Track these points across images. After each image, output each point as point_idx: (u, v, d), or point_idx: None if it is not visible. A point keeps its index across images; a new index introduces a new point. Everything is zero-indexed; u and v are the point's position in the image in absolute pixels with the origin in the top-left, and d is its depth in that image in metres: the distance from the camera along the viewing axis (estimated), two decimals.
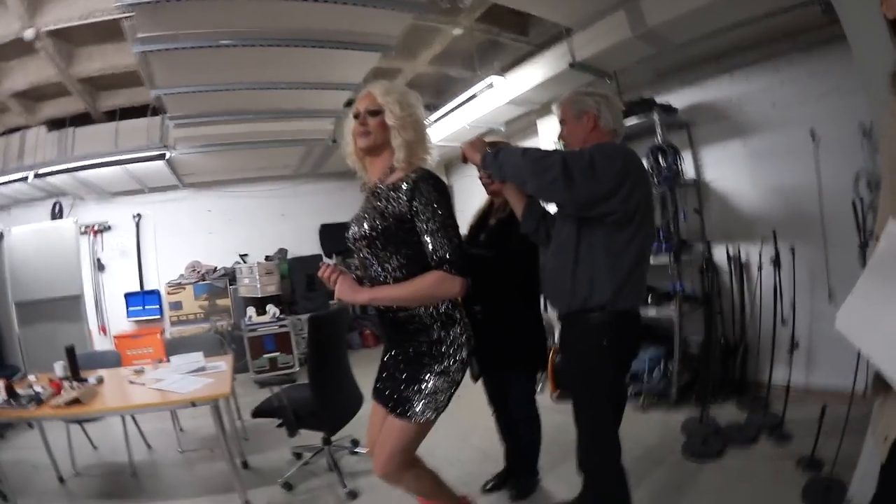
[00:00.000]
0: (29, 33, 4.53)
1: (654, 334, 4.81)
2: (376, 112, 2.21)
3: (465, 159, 2.50)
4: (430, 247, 2.10)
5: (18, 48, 4.99)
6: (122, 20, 4.29)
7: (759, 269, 4.30)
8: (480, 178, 2.76)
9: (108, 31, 4.96)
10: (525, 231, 2.67)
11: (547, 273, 2.55)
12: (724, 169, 4.75)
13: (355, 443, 4.06)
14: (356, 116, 2.27)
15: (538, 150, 2.27)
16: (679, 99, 4.87)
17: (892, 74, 1.32)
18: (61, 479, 4.11)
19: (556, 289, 2.45)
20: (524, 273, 3.01)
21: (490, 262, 2.84)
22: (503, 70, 5.19)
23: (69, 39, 5.12)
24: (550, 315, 3.97)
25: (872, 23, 2.03)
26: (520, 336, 3.03)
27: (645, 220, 2.27)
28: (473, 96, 5.38)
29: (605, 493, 2.43)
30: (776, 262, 4.06)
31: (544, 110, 5.65)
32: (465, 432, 4.12)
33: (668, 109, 4.67)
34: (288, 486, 3.60)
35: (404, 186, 2.14)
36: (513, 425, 3.28)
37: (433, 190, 2.13)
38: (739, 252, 4.56)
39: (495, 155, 2.31)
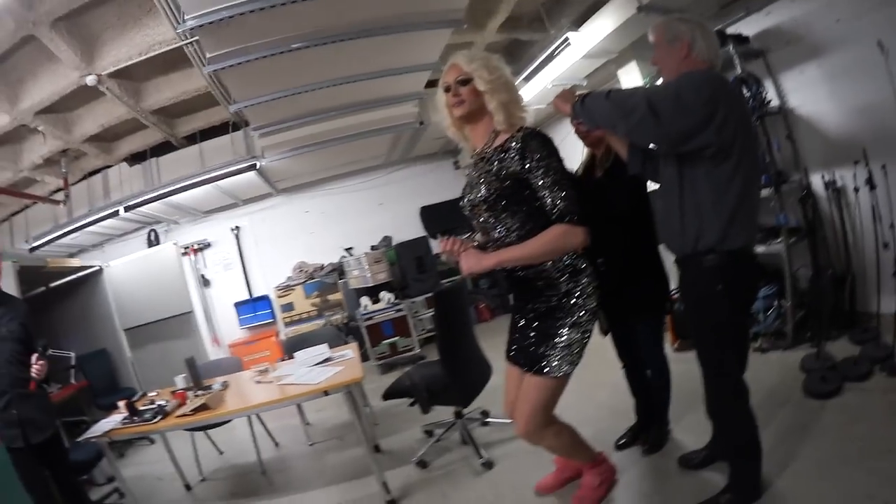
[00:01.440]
0: (90, 79, 4.71)
1: (765, 272, 4.66)
2: (466, 80, 2.25)
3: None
4: (549, 201, 2.13)
5: (82, 95, 5.23)
6: (184, 47, 4.39)
7: (856, 192, 4.07)
8: (577, 132, 2.74)
9: (170, 62, 5.12)
10: (633, 172, 2.62)
11: (658, 216, 2.52)
12: (806, 94, 4.51)
13: (485, 414, 4.07)
14: (447, 90, 2.31)
15: (622, 90, 2.24)
16: (747, 27, 4.66)
17: None
18: (188, 487, 4.27)
19: (666, 232, 2.42)
20: (638, 216, 2.98)
21: (604, 210, 2.80)
22: (574, 25, 5.08)
23: (132, 77, 5.30)
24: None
25: None
26: (643, 281, 3.00)
27: (746, 148, 2.16)
28: (552, 55, 5.29)
29: (736, 438, 2.39)
30: (870, 184, 3.84)
31: (622, 59, 5.51)
32: (592, 390, 4.06)
33: (740, 39, 4.49)
34: (423, 464, 3.65)
35: (513, 146, 2.18)
36: (643, 378, 3.24)
37: (542, 145, 2.17)
38: (835, 177, 4.36)
39: (583, 102, 2.28)
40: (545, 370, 2.23)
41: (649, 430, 3.25)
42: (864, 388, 3.27)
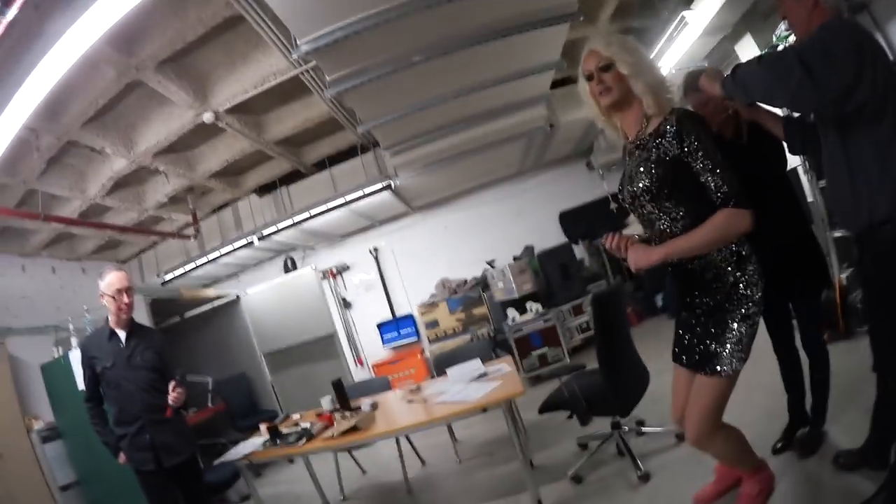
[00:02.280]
0: (207, 117, 4.89)
1: None
2: (608, 66, 2.17)
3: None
4: (713, 184, 2.02)
5: (202, 133, 5.46)
6: (300, 75, 4.52)
7: None
8: (706, 114, 2.60)
9: (287, 93, 5.27)
10: (794, 153, 2.48)
11: (828, 192, 2.34)
12: None
13: (640, 423, 3.91)
14: (589, 78, 2.23)
15: (768, 56, 2.08)
16: None
17: None
18: None
19: (839, 208, 2.26)
20: (783, 188, 2.86)
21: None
22: (685, 3, 4.90)
23: (250, 111, 5.48)
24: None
25: None
26: (799, 259, 2.85)
27: None
28: (671, 37, 5.11)
29: None
30: None
31: (736, 34, 5.28)
32: (748, 390, 3.71)
33: None
34: (578, 479, 3.54)
35: (669, 129, 2.08)
36: (799, 372, 3.06)
37: (698, 126, 2.07)
38: None
39: (734, 76, 2.15)
40: (718, 369, 2.12)
41: (803, 429, 3.05)
42: None
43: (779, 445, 3.08)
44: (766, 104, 2.33)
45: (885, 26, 4.33)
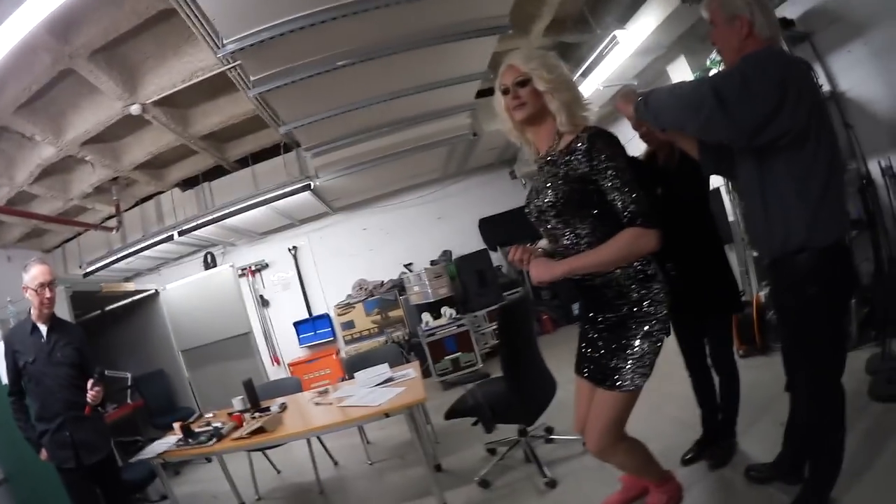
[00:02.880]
0: (135, 109, 4.81)
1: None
2: (525, 81, 2.17)
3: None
4: (620, 204, 2.05)
5: (129, 124, 5.34)
6: (227, 72, 4.45)
7: None
8: (640, 134, 2.67)
9: (215, 87, 5.19)
10: (708, 173, 2.55)
11: (743, 217, 2.41)
12: (855, 75, 4.33)
13: (549, 430, 4.00)
14: (505, 92, 2.24)
15: (685, 83, 2.12)
16: (791, 9, 4.51)
17: None
18: None
19: (753, 233, 2.32)
20: (701, 211, 2.96)
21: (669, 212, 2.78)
22: (619, 22, 5.02)
23: (177, 105, 5.39)
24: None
25: None
26: (711, 280, 2.96)
27: (823, 132, 2.01)
28: (601, 55, 5.23)
29: (826, 446, 2.25)
30: None
31: (670, 54, 5.44)
32: (660, 402, 3.94)
33: (785, 23, 4.32)
34: (485, 484, 3.59)
35: (579, 146, 2.10)
36: (711, 387, 3.17)
37: (609, 144, 2.09)
38: (891, 163, 4.15)
39: (646, 102, 2.17)
40: (618, 384, 2.16)
41: (715, 443, 3.15)
42: None
43: (688, 456, 3.18)
44: (677, 131, 2.33)
45: (826, 58, 4.49)
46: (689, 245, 2.82)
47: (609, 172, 2.05)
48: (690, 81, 2.14)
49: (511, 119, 2.29)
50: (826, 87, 4.39)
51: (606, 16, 5.14)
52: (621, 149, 2.14)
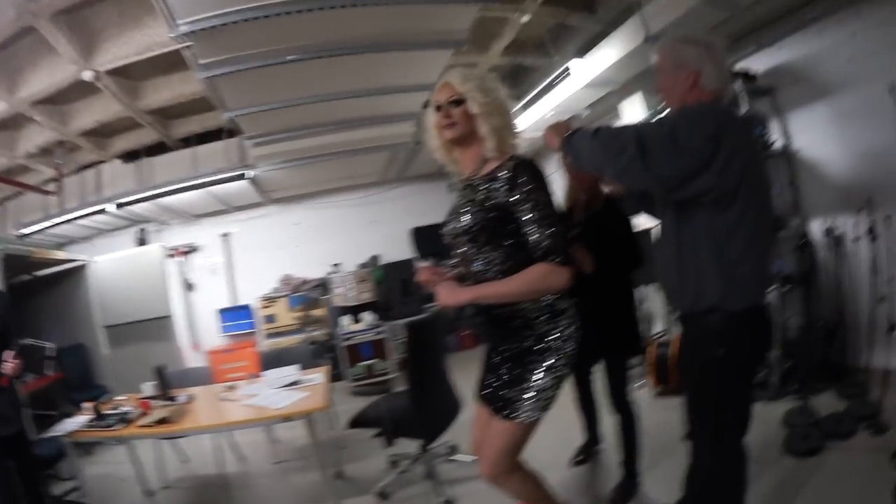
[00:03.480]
0: (88, 75, 4.71)
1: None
2: (459, 101, 2.11)
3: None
4: (534, 237, 1.99)
5: (81, 90, 5.21)
6: (182, 50, 4.32)
7: (856, 241, 3.93)
8: (567, 171, 2.62)
9: (169, 63, 5.07)
10: (630, 214, 2.51)
11: (657, 267, 2.28)
12: (813, 135, 4.42)
13: (453, 449, 3.97)
14: (438, 109, 2.18)
15: (613, 127, 1.99)
16: (758, 62, 4.60)
17: None
18: (149, 493, 4.18)
19: (666, 286, 2.22)
20: (619, 255, 2.98)
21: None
22: (579, 53, 5.01)
23: (131, 76, 5.30)
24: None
25: None
26: (612, 322, 3.00)
27: (753, 195, 1.92)
28: (552, 83, 5.21)
29: None
30: (872, 234, 3.70)
31: (627, 90, 5.46)
32: (566, 431, 3.87)
33: (748, 77, 4.42)
34: (383, 496, 3.54)
35: (502, 175, 2.04)
36: (593, 421, 3.44)
37: (532, 178, 2.02)
38: (835, 224, 4.24)
39: (570, 140, 2.06)
40: (513, 415, 2.10)
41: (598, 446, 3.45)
42: (847, 447, 3.19)
43: (577, 460, 3.43)
44: (597, 174, 2.30)
45: (786, 114, 4.57)
46: (599, 284, 2.84)
47: (528, 205, 1.99)
48: (620, 126, 2.03)
49: (440, 137, 2.23)
50: (779, 144, 4.46)
51: (568, 44, 5.12)
52: (544, 182, 2.06)
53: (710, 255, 1.94)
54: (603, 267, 2.85)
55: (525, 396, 2.08)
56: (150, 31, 4.37)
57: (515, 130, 2.18)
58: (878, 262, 3.67)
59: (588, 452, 3.59)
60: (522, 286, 2.00)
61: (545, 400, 2.08)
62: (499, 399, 2.16)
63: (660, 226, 2.21)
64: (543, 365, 2.08)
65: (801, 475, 2.98)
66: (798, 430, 3.37)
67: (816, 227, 4.37)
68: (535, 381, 2.08)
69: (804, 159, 4.48)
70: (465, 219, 2.10)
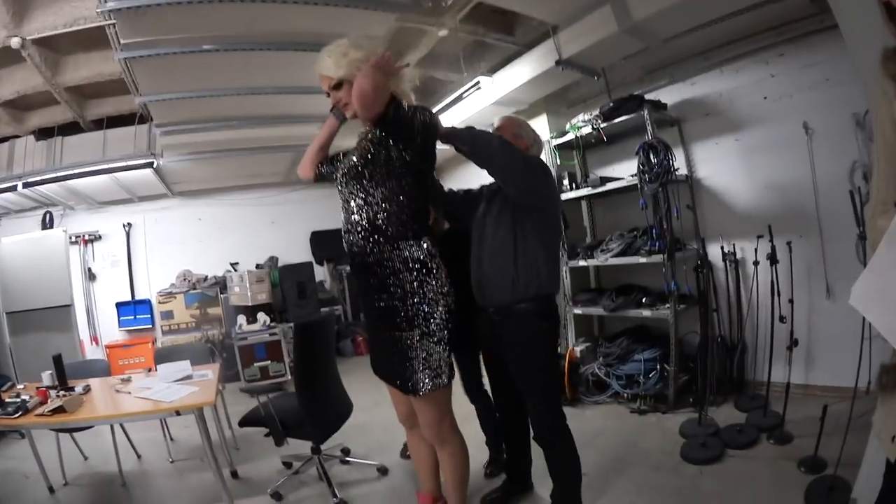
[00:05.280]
0: (15, 42, 4.48)
1: (650, 336, 4.76)
2: (339, 84, 2.29)
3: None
4: None
5: (5, 57, 4.95)
6: (106, 28, 4.20)
7: (756, 265, 4.17)
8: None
9: (93, 40, 4.89)
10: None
11: (484, 267, 2.73)
12: (718, 165, 4.68)
13: (346, 451, 4.00)
14: (327, 95, 2.36)
15: (484, 132, 2.62)
16: (669, 95, 4.82)
17: (884, 54, 1.28)
18: (51, 490, 4.06)
19: (495, 282, 2.69)
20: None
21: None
22: (490, 71, 5.11)
23: (55, 48, 5.07)
24: None
25: (864, 9, 1.97)
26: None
27: (557, 215, 3.02)
28: (461, 97, 5.29)
29: (567, 458, 2.75)
30: (772, 259, 3.94)
31: (533, 110, 5.63)
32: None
33: (657, 106, 4.60)
34: (277, 497, 3.52)
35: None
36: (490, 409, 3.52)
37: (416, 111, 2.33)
38: (735, 249, 4.48)
39: (457, 133, 2.56)
40: (416, 389, 2.18)
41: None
42: (749, 455, 3.35)
43: (487, 471, 3.52)
44: (481, 165, 2.55)
45: (692, 144, 4.82)
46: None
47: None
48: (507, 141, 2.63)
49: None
50: (682, 171, 4.66)
51: (482, 62, 5.21)
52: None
53: (544, 255, 2.68)
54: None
55: (417, 369, 2.17)
56: (80, 4, 4.22)
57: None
58: (777, 285, 3.90)
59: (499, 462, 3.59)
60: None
61: (438, 366, 2.18)
62: (395, 375, 2.25)
63: (495, 241, 2.73)
64: (417, 333, 2.17)
65: (703, 481, 3.13)
66: (695, 439, 3.54)
67: (716, 251, 4.60)
68: (417, 351, 2.17)
69: (708, 186, 4.73)
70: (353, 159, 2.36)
